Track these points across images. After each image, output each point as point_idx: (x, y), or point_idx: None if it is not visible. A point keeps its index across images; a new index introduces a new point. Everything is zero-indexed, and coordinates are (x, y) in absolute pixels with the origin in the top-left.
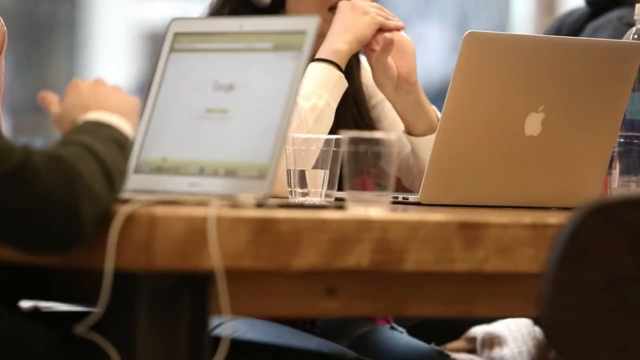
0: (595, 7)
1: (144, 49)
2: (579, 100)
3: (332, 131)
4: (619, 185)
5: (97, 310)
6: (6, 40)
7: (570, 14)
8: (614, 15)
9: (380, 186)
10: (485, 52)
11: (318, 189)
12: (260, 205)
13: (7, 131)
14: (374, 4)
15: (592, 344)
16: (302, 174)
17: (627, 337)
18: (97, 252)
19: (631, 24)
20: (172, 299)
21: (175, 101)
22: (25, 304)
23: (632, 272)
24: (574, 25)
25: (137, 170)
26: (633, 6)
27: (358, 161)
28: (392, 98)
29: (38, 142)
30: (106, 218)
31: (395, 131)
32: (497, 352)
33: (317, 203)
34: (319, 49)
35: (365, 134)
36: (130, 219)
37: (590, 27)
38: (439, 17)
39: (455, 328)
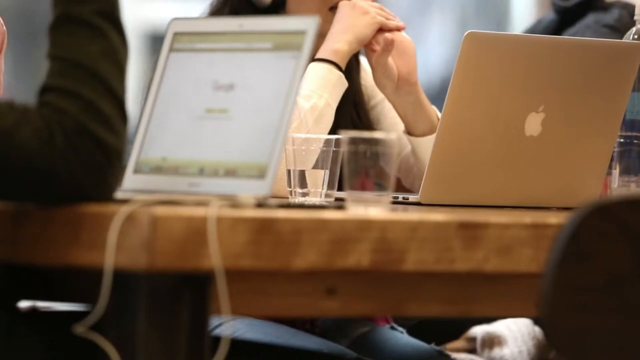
0: (564, 15)
1: (144, 50)
2: (579, 100)
3: (331, 131)
4: (619, 185)
5: (97, 310)
6: (6, 40)
7: (538, 22)
8: (589, 20)
9: (380, 186)
10: (485, 52)
11: (318, 189)
12: (260, 205)
13: None
14: (375, 3)
15: (592, 344)
16: (302, 174)
17: (627, 337)
18: (97, 251)
19: (610, 26)
20: (172, 299)
21: (175, 101)
22: (24, 304)
23: (632, 272)
24: (545, 32)
25: (137, 170)
26: (605, 10)
27: (358, 161)
28: (392, 98)
29: None
30: (106, 218)
31: (395, 131)
32: (497, 352)
33: (317, 203)
34: (319, 49)
35: (365, 134)
36: (130, 219)
37: (567, 35)
38: (439, 17)
39: (455, 328)
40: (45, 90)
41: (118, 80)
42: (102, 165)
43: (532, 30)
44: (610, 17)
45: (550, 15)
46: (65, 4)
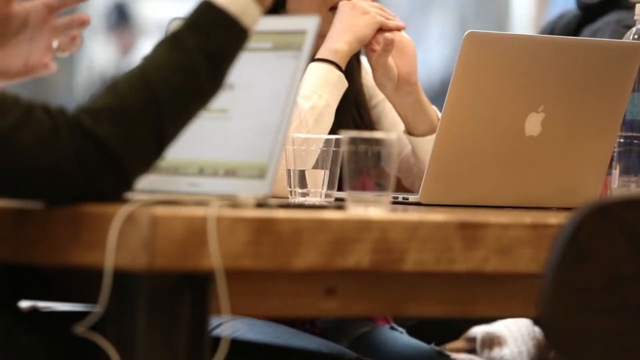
0: (588, 11)
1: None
2: (579, 100)
3: (332, 131)
4: (619, 185)
5: (97, 310)
6: None
7: (561, 16)
8: (612, 18)
9: (380, 186)
10: (485, 52)
11: (318, 189)
12: (260, 205)
13: None
14: (375, 3)
15: (592, 344)
16: (302, 174)
17: (627, 337)
18: (97, 251)
19: (630, 27)
20: (172, 299)
21: None
22: (25, 304)
23: (632, 273)
24: (566, 28)
25: None
26: (630, 9)
27: (358, 161)
28: (393, 98)
29: None
30: (106, 218)
31: (396, 131)
32: (497, 352)
33: (317, 203)
34: (319, 49)
35: (365, 134)
36: (130, 219)
37: (587, 30)
38: (439, 17)
39: (455, 328)
40: (111, 83)
41: (175, 120)
42: (104, 176)
43: (553, 25)
44: (633, 17)
45: (572, 10)
46: (181, 26)
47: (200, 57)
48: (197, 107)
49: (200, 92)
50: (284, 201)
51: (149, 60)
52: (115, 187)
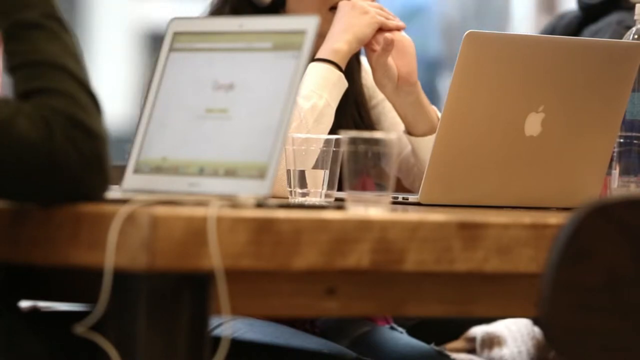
0: (589, 12)
1: (144, 49)
2: (579, 100)
3: (332, 131)
4: (619, 186)
5: (97, 310)
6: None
7: (562, 17)
8: (612, 19)
9: (380, 186)
10: (485, 52)
11: (318, 189)
12: (260, 205)
13: None
14: (374, 3)
15: (592, 344)
16: (302, 174)
17: (627, 337)
18: (97, 251)
19: (631, 27)
20: (172, 299)
21: (174, 101)
22: (25, 304)
23: (632, 273)
24: (567, 28)
25: (137, 170)
26: (631, 9)
27: (358, 161)
28: (393, 98)
29: None
30: (106, 218)
31: (396, 131)
32: (496, 352)
33: (317, 203)
34: (319, 49)
35: (365, 134)
36: (130, 219)
37: (588, 31)
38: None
39: (455, 328)
40: (27, 94)
41: (84, 73)
42: (98, 153)
43: (554, 25)
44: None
45: (573, 11)
46: (13, 13)
47: (47, 21)
48: (81, 55)
49: (72, 43)
50: (284, 201)
51: (25, 54)
52: (109, 160)
